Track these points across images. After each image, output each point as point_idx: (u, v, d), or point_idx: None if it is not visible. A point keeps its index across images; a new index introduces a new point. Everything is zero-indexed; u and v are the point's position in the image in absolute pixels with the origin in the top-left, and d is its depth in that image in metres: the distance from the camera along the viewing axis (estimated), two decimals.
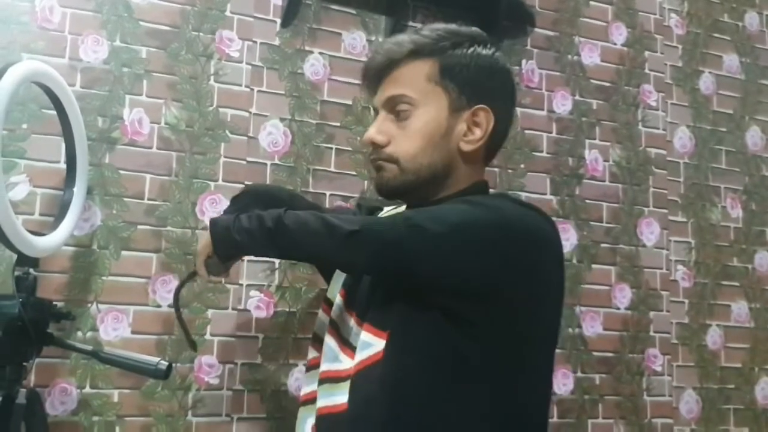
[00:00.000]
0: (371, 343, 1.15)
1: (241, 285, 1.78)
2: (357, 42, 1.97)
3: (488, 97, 1.24)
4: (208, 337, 1.73)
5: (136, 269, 1.71)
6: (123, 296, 1.68)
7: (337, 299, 1.32)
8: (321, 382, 1.25)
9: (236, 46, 1.86)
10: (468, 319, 1.11)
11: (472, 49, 1.25)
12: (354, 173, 1.92)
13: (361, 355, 1.16)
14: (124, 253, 1.70)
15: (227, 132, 1.81)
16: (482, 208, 1.15)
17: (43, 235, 1.42)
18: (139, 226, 1.72)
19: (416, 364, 1.12)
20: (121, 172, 1.72)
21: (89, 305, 1.66)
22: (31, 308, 1.32)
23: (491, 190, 1.34)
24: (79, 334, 1.64)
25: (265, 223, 1.17)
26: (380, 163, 1.25)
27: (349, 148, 1.92)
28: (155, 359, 1.35)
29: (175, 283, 1.70)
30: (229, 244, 1.23)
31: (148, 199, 1.74)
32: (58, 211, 1.54)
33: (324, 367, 1.26)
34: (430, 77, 1.23)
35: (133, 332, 1.68)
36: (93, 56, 1.74)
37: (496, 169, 2.01)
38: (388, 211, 1.42)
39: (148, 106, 1.76)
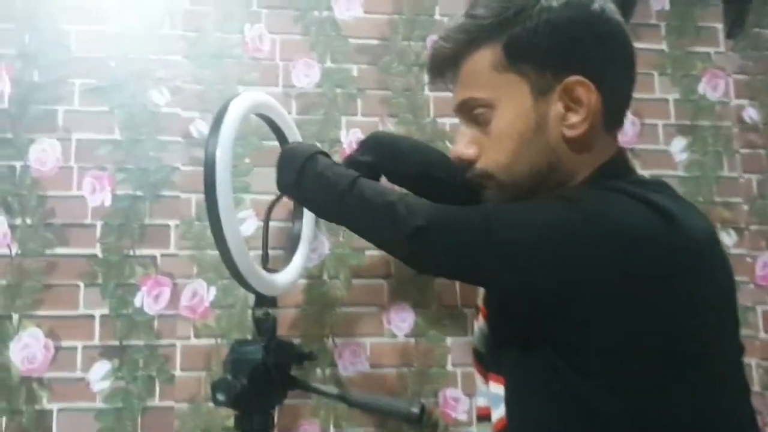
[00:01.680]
0: (500, 396, 0.97)
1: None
2: None
3: (580, 61, 0.92)
4: (449, 368, 1.60)
5: (369, 298, 1.62)
6: (358, 328, 1.60)
7: (480, 321, 1.10)
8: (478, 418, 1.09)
9: None
10: (582, 354, 0.85)
11: (538, 6, 0.92)
12: None
13: (495, 414, 0.99)
14: (354, 281, 1.62)
15: (447, 143, 1.68)
16: (574, 209, 0.87)
17: (277, 271, 1.35)
18: (368, 252, 1.63)
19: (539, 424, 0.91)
20: None
21: (325, 340, 1.58)
22: (273, 352, 1.24)
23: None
24: (318, 371, 1.56)
25: (335, 185, 1.03)
26: (479, 182, 1.00)
27: None
28: (406, 402, 1.23)
29: (410, 312, 1.59)
30: (289, 182, 1.11)
31: None
32: (288, 244, 1.48)
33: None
34: (497, 66, 0.94)
35: (371, 366, 1.59)
36: (306, 81, 1.68)
37: None
38: None
39: (364, 126, 1.67)
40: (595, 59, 0.93)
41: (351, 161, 1.26)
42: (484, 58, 0.95)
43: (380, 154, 1.25)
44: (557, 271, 0.84)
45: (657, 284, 0.82)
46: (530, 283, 0.87)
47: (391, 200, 0.96)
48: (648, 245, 0.82)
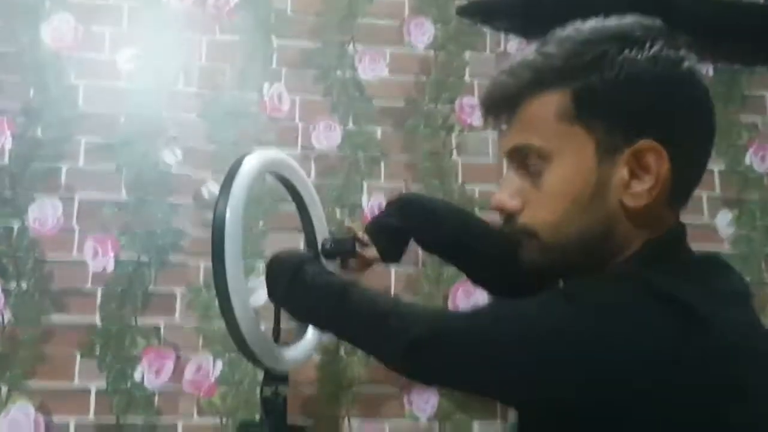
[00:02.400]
0: None
1: None
2: None
3: (657, 125, 0.80)
4: None
5: (388, 376, 1.49)
6: (376, 409, 1.48)
7: None
8: None
9: (480, 114, 1.63)
10: None
11: (621, 56, 0.80)
12: None
13: None
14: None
15: (476, 209, 1.57)
16: (583, 318, 0.76)
17: (289, 345, 1.23)
18: None
19: None
20: None
21: (340, 422, 1.45)
22: None
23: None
24: None
25: (325, 300, 0.97)
26: (518, 238, 0.88)
27: None
28: None
29: (434, 393, 1.48)
30: (280, 296, 1.06)
31: (395, 293, 1.53)
32: None
33: None
34: (563, 115, 0.82)
35: None
36: (326, 143, 1.60)
37: None
38: None
39: (387, 191, 1.58)
40: (674, 126, 0.81)
41: (377, 224, 1.19)
42: (549, 104, 0.83)
43: (410, 218, 1.18)
44: (562, 388, 0.76)
45: (674, 400, 0.72)
46: (536, 398, 0.79)
47: (383, 312, 0.89)
48: (660, 359, 0.72)
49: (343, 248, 1.18)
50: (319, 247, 1.20)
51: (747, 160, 1.72)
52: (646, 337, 0.72)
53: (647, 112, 0.80)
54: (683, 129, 0.81)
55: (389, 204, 1.21)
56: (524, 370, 0.77)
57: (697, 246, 1.57)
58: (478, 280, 1.24)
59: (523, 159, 0.86)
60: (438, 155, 1.63)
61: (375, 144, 1.62)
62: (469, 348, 0.81)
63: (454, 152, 1.63)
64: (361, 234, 1.18)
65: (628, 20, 0.83)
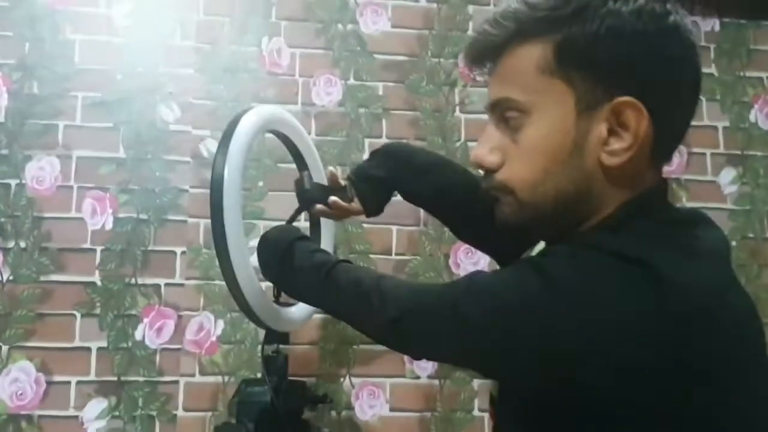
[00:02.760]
0: None
1: None
2: None
3: (638, 81, 0.77)
4: (476, 413, 1.46)
5: None
6: (377, 367, 1.47)
7: None
8: None
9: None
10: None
11: (604, 8, 0.77)
12: None
13: None
14: None
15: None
16: (550, 291, 0.74)
17: (290, 304, 1.22)
18: None
19: None
20: (365, 225, 1.51)
21: (342, 379, 1.45)
22: (284, 395, 1.12)
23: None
24: (333, 413, 1.43)
25: (313, 278, 0.99)
26: (494, 194, 0.85)
27: None
28: None
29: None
30: (272, 274, 1.06)
31: (396, 254, 1.53)
32: None
33: None
34: (543, 67, 0.79)
35: (391, 409, 1.46)
36: (327, 99, 1.57)
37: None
38: None
39: None
40: (656, 82, 0.78)
41: (362, 173, 1.16)
42: (530, 55, 0.80)
43: (394, 170, 1.16)
44: (524, 362, 0.75)
45: (644, 364, 0.71)
46: (507, 371, 0.79)
47: (366, 290, 0.90)
48: (631, 323, 0.71)
49: (322, 195, 1.16)
50: (297, 190, 1.16)
51: (752, 116, 1.69)
52: (611, 310, 0.71)
53: (628, 67, 0.77)
54: (665, 86, 0.79)
55: (373, 153, 1.17)
56: (489, 344, 0.77)
57: (699, 204, 1.57)
58: (462, 235, 1.22)
59: (503, 113, 0.83)
60: (441, 112, 1.60)
61: (376, 100, 1.59)
62: (439, 323, 0.81)
63: (457, 109, 1.60)
64: (343, 181, 1.16)
65: None
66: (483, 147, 0.84)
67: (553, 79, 0.79)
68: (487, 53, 0.84)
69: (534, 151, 0.80)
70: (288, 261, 1.04)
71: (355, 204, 1.16)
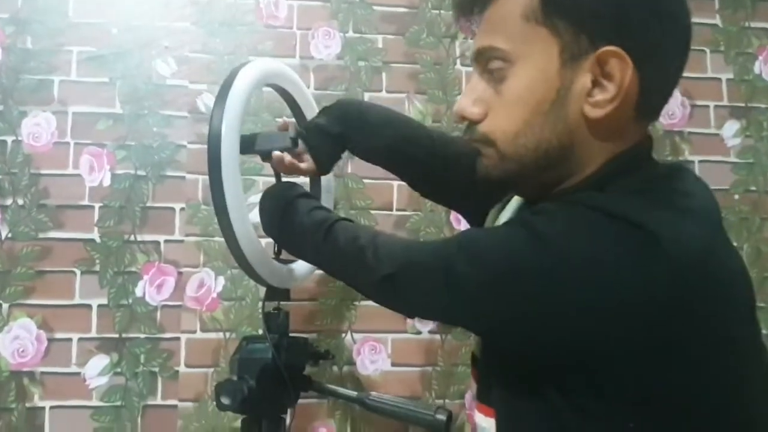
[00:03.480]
0: (486, 430, 0.86)
1: None
2: None
3: (625, 32, 0.76)
4: None
5: None
6: (379, 323, 1.47)
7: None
8: None
9: None
10: (580, 395, 0.73)
11: None
12: None
13: None
14: None
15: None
16: (539, 246, 0.74)
17: (290, 261, 1.21)
18: None
19: None
20: (366, 181, 1.51)
21: (343, 335, 1.45)
22: (285, 351, 1.12)
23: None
24: (335, 369, 1.44)
25: (311, 234, 1.00)
26: (476, 146, 0.84)
27: None
28: (430, 408, 1.09)
29: None
30: (272, 230, 1.08)
31: (397, 210, 1.52)
32: None
33: None
34: (528, 15, 0.79)
35: (393, 364, 1.46)
36: (325, 52, 1.54)
37: None
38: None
39: (389, 102, 1.53)
40: (644, 35, 0.77)
41: (317, 128, 1.13)
42: (516, 3, 0.79)
43: (347, 125, 1.13)
44: (516, 317, 0.74)
45: (637, 320, 0.70)
46: (495, 331, 0.79)
47: (361, 246, 0.91)
48: (624, 280, 0.70)
49: (274, 144, 1.11)
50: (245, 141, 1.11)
51: (756, 68, 1.67)
52: (602, 264, 0.70)
53: (614, 18, 0.76)
54: (653, 37, 0.77)
55: (325, 109, 1.15)
56: (480, 302, 0.76)
57: (702, 156, 1.56)
58: (420, 189, 1.21)
59: (487, 63, 0.82)
60: (441, 65, 1.57)
61: (376, 53, 1.56)
62: (431, 281, 0.81)
63: (458, 61, 1.58)
64: (294, 133, 1.12)
65: None
66: (466, 98, 0.83)
67: (538, 27, 0.78)
68: (475, 2, 0.83)
69: (517, 101, 0.80)
70: (288, 218, 1.04)
71: (308, 162, 1.13)
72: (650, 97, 0.79)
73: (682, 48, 0.80)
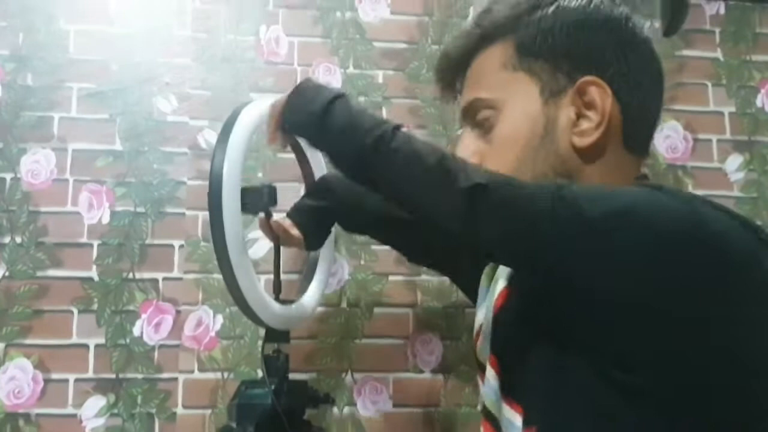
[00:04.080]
0: (513, 423, 0.81)
1: None
2: None
3: (597, 65, 0.83)
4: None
5: (392, 328, 1.47)
6: (380, 362, 1.46)
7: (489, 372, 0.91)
8: None
9: None
10: (631, 372, 0.70)
11: (554, 4, 0.85)
12: None
13: None
14: (376, 310, 1.48)
15: None
16: (669, 197, 0.73)
17: (291, 302, 1.20)
18: (391, 277, 1.49)
19: None
20: None
21: (343, 375, 1.43)
22: (285, 395, 1.10)
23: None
24: (335, 410, 1.42)
25: (368, 132, 0.84)
26: None
27: None
28: None
29: (438, 345, 1.46)
30: (308, 122, 0.91)
31: None
32: (305, 269, 1.33)
33: None
34: (506, 64, 0.85)
35: (395, 405, 1.44)
36: None
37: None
38: None
39: None
40: (616, 64, 0.84)
41: (302, 205, 1.15)
42: (494, 56, 0.87)
43: (332, 199, 1.13)
44: (638, 265, 0.69)
45: (729, 295, 0.69)
46: (590, 273, 0.71)
47: (443, 153, 0.81)
48: (748, 261, 0.69)
49: (261, 202, 1.09)
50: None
51: (758, 101, 1.67)
52: (723, 232, 0.70)
53: (586, 51, 0.83)
54: (624, 66, 0.83)
55: (311, 186, 1.19)
56: (584, 236, 0.71)
57: (705, 191, 1.55)
58: (417, 260, 1.23)
59: (474, 115, 0.88)
60: (441, 100, 1.56)
61: (376, 88, 1.56)
62: (534, 202, 0.73)
63: (458, 96, 1.57)
64: (283, 217, 1.12)
65: None
66: (460, 152, 0.88)
67: (517, 73, 0.85)
68: (456, 65, 0.92)
69: (506, 143, 0.84)
70: (340, 108, 0.90)
71: (297, 238, 1.12)
72: (634, 125, 0.84)
73: (656, 76, 0.87)
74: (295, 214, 1.13)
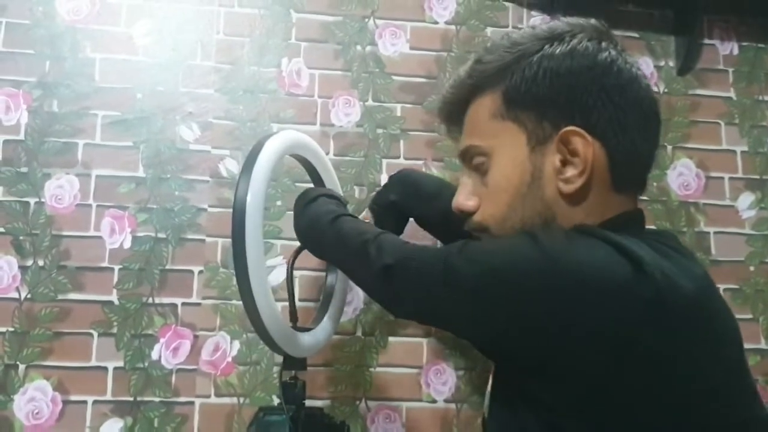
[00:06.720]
0: None
1: None
2: (644, 69, 1.64)
3: (580, 113, 0.86)
4: None
5: (406, 358, 1.48)
6: (393, 391, 1.46)
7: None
8: None
9: None
10: (560, 415, 0.76)
11: (539, 53, 0.88)
12: None
13: None
14: (390, 339, 1.49)
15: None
16: (537, 250, 0.77)
17: (307, 329, 1.22)
18: None
19: None
20: None
21: (357, 403, 1.44)
22: (301, 423, 1.11)
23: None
24: None
25: (318, 222, 1.07)
26: (474, 234, 0.95)
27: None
28: None
29: (452, 375, 1.46)
30: (294, 222, 1.17)
31: None
32: (322, 297, 1.35)
33: None
34: (495, 114, 0.90)
35: None
36: (345, 120, 1.56)
37: None
38: None
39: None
40: (599, 111, 0.86)
41: (379, 199, 1.25)
42: (484, 105, 0.92)
43: (405, 194, 1.22)
44: (508, 318, 0.77)
45: (618, 336, 0.72)
46: (485, 332, 0.82)
47: (365, 239, 0.95)
48: (611, 293, 0.73)
49: None
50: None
51: None
52: (598, 280, 0.73)
53: (568, 101, 0.86)
54: (607, 112, 0.85)
55: (389, 179, 1.27)
56: (474, 302, 0.79)
57: (717, 228, 1.56)
58: None
59: (471, 160, 0.94)
60: None
61: (395, 121, 1.59)
62: (428, 275, 0.84)
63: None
64: (364, 213, 1.23)
65: (560, 21, 0.91)
66: (460, 195, 0.95)
67: (505, 122, 0.89)
68: (453, 110, 0.98)
69: (498, 189, 0.90)
70: (310, 208, 1.12)
71: None
72: (622, 167, 0.87)
73: (647, 115, 0.89)
74: (373, 206, 1.24)
